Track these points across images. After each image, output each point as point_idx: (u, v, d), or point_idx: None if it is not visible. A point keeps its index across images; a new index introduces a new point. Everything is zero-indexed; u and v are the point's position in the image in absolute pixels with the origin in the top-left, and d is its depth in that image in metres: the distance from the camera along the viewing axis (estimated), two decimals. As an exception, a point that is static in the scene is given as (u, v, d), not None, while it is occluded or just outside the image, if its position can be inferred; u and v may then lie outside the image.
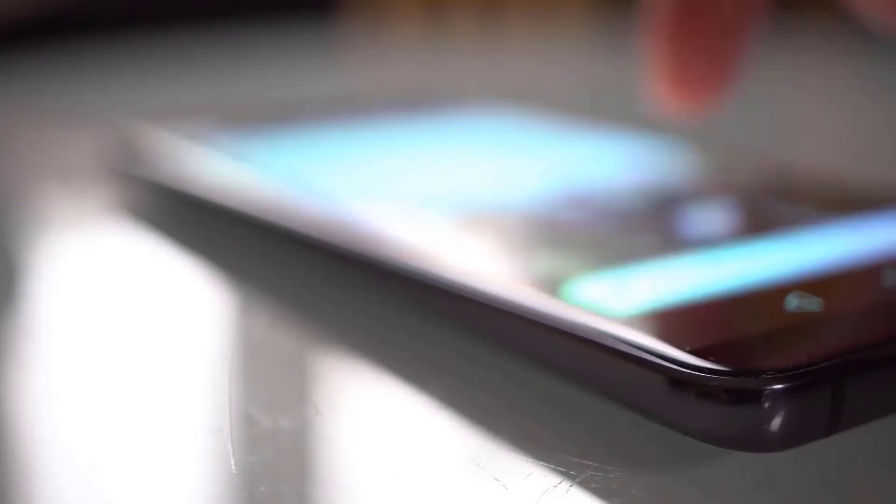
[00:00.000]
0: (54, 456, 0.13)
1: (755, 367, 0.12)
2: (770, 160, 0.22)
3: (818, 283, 0.15)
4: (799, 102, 0.40)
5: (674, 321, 0.14)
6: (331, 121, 0.27)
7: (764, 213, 0.19)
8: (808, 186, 0.20)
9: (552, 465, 0.13)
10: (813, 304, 0.14)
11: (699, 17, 0.19)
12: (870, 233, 0.17)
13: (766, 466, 0.13)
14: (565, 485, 0.12)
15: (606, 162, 0.23)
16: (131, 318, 0.18)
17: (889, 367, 0.12)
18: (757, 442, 0.12)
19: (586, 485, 0.12)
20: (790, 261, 0.16)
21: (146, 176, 0.23)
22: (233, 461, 0.13)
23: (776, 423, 0.12)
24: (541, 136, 0.26)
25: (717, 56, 0.20)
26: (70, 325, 0.18)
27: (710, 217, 0.18)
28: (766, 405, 0.12)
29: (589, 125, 0.26)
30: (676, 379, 0.12)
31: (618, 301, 0.14)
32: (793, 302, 0.14)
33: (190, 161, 0.23)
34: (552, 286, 0.15)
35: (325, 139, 0.25)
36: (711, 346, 0.12)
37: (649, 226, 0.18)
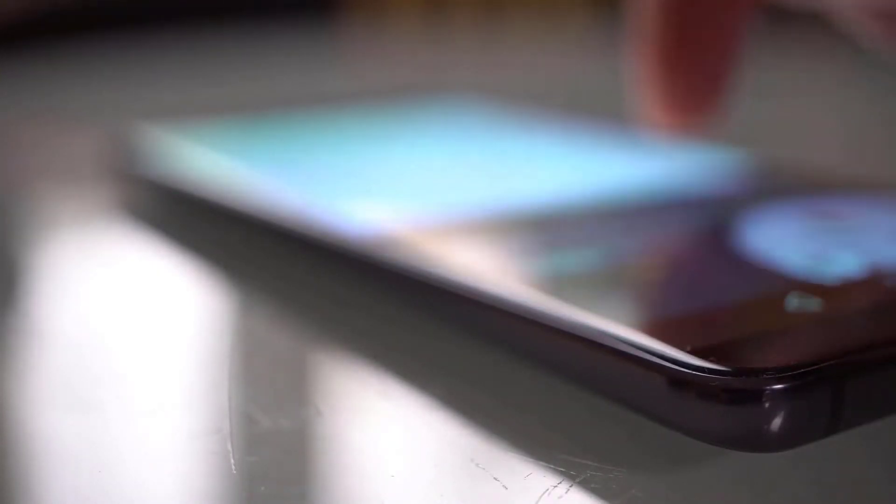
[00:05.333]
0: (54, 456, 0.13)
1: (755, 367, 0.12)
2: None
3: (819, 283, 0.15)
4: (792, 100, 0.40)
5: (674, 321, 0.14)
6: (329, 120, 0.27)
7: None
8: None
9: (552, 465, 0.13)
10: (813, 304, 0.14)
11: (686, 37, 0.19)
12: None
13: (766, 466, 0.13)
14: (565, 485, 0.12)
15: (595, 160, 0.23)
16: (131, 317, 0.18)
17: (889, 368, 0.12)
18: (757, 442, 0.12)
19: (586, 485, 0.12)
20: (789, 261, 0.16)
21: (146, 176, 0.23)
22: (233, 461, 0.13)
23: (776, 423, 0.12)
24: (525, 133, 0.26)
25: (707, 75, 0.19)
26: (70, 325, 0.18)
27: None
28: (767, 405, 0.12)
29: (565, 119, 0.26)
30: (677, 379, 0.12)
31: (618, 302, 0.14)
32: (793, 302, 0.14)
33: (190, 161, 0.23)
34: (549, 285, 0.15)
35: (324, 139, 0.25)
36: (712, 345, 0.12)
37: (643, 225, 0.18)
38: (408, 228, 0.18)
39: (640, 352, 0.13)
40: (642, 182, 0.20)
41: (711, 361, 0.12)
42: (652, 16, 0.19)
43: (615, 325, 0.13)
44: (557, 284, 0.15)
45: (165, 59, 0.44)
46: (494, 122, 0.28)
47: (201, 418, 0.14)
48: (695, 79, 0.19)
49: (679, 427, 0.12)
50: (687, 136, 0.20)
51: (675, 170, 0.21)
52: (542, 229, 0.18)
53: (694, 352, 0.12)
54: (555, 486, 0.12)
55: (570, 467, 0.12)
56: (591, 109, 0.30)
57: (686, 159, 0.21)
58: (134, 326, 0.18)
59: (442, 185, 0.21)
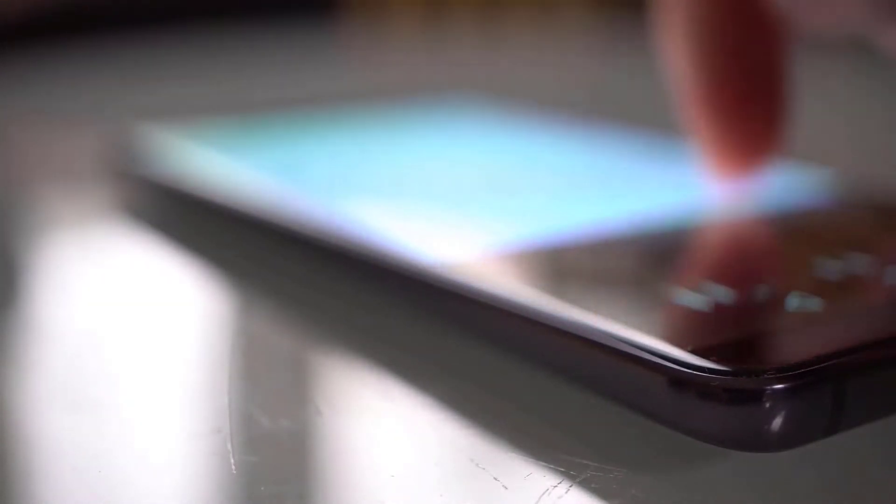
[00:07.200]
0: (54, 456, 0.13)
1: (756, 367, 0.12)
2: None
3: (816, 281, 0.15)
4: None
5: (674, 320, 0.14)
6: (327, 121, 0.27)
7: None
8: None
9: (552, 465, 0.13)
10: (813, 303, 0.14)
11: (732, 85, 0.19)
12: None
13: (766, 466, 0.13)
14: (565, 485, 0.12)
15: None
16: (131, 318, 0.18)
17: (889, 368, 0.12)
18: (757, 442, 0.12)
19: (586, 485, 0.12)
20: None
21: (146, 176, 0.23)
22: (233, 461, 0.13)
23: (777, 423, 0.12)
24: (523, 134, 0.26)
25: (759, 118, 0.19)
26: (70, 325, 0.18)
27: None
28: (767, 405, 0.12)
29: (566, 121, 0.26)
30: (677, 379, 0.12)
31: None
32: (793, 301, 0.14)
33: (190, 161, 0.23)
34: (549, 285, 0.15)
35: (323, 140, 0.25)
36: (712, 345, 0.12)
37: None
38: (408, 229, 0.18)
39: (641, 351, 0.13)
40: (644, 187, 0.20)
41: (712, 361, 0.12)
42: (696, 68, 0.19)
43: (616, 325, 0.13)
44: (557, 283, 0.15)
45: (165, 59, 0.44)
46: (495, 122, 0.28)
47: (201, 418, 0.14)
48: (749, 125, 0.19)
49: (679, 427, 0.12)
50: (751, 179, 0.19)
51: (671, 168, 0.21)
52: (545, 229, 0.18)
53: (695, 351, 0.12)
54: (555, 486, 0.12)
55: (570, 467, 0.12)
56: (590, 109, 0.30)
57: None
58: (134, 326, 0.18)
59: (442, 185, 0.21)
